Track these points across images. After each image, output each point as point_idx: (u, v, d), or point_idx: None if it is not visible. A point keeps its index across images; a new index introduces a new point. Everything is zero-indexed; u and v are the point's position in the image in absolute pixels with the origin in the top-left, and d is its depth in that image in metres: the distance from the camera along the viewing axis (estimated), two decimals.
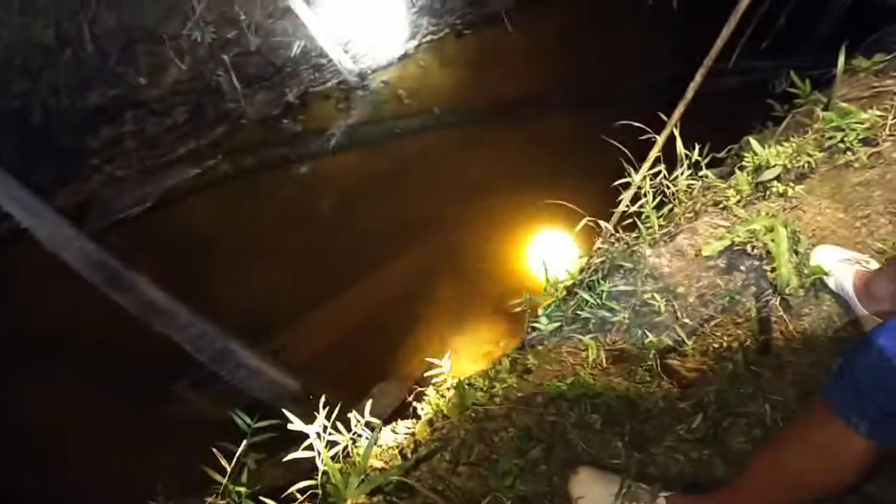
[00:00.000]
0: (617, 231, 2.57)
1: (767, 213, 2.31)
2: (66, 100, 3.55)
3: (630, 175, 2.60)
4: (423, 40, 4.76)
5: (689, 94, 2.94)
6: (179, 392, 3.33)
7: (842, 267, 2.08)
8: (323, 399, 2.06)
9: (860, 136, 2.61)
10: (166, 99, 3.89)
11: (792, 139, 2.76)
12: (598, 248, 2.59)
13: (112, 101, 3.71)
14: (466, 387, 2.14)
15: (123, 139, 3.89)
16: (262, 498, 1.93)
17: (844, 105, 2.70)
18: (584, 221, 2.51)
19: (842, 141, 2.62)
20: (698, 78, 2.50)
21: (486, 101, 4.59)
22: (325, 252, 3.97)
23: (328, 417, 2.08)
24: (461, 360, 3.26)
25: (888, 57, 3.04)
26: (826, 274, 2.12)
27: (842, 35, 3.42)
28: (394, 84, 4.68)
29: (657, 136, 2.62)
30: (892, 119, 2.63)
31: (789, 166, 2.58)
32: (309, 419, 2.85)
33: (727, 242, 2.18)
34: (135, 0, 3.53)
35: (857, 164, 2.55)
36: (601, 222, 2.54)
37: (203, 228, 3.96)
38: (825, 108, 2.81)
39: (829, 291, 2.16)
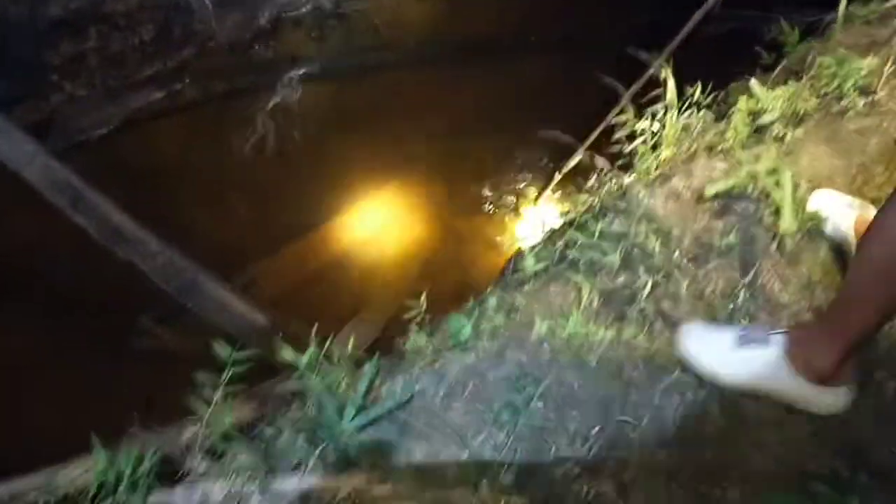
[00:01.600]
0: (612, 168, 2.50)
1: (768, 157, 2.27)
2: (25, 9, 3.32)
3: (624, 110, 2.53)
4: None
5: (683, 33, 2.88)
6: (146, 325, 3.21)
7: (842, 213, 2.06)
8: (314, 330, 1.97)
9: (857, 84, 2.57)
10: (133, 14, 3.67)
11: (787, 84, 2.72)
12: (591, 186, 2.52)
13: (75, 13, 3.49)
14: (458, 324, 2.07)
15: (86, 56, 3.67)
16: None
17: (843, 51, 2.65)
18: (579, 153, 2.44)
19: (838, 88, 2.58)
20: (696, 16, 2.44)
21: (465, 37, 4.46)
22: (296, 185, 3.84)
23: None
24: (440, 298, 3.20)
25: (884, 5, 3.00)
26: (823, 220, 2.10)
27: None
28: (370, 14, 4.50)
29: (651, 67, 2.56)
30: (889, 68, 2.59)
31: (786, 111, 2.54)
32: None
33: (731, 183, 2.13)
34: None
35: (852, 112, 2.51)
36: (597, 157, 2.47)
37: (170, 155, 3.79)
38: (822, 54, 2.76)
39: (825, 236, 2.14)
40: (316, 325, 2.11)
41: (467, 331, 2.00)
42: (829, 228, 2.10)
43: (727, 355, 1.78)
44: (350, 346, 2.20)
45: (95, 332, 3.13)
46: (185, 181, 3.68)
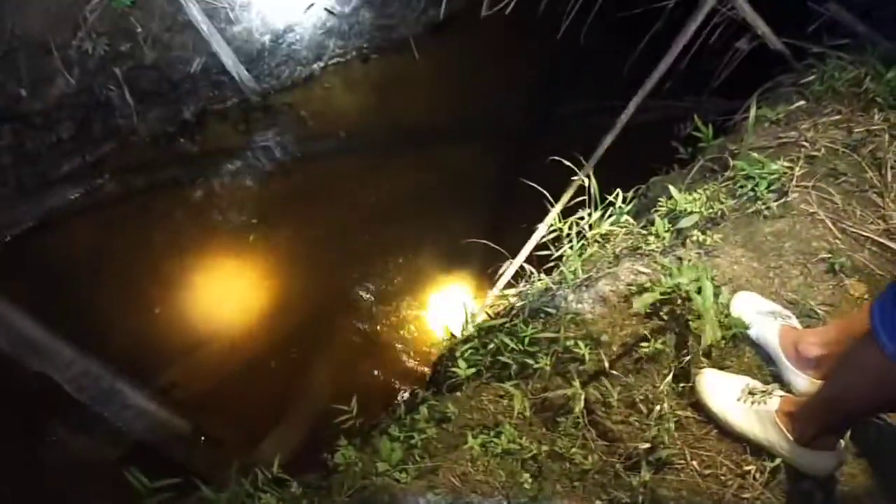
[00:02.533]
0: (540, 274, 2.52)
1: (689, 263, 2.32)
2: None
3: (553, 216, 2.58)
4: (329, 62, 4.62)
5: (607, 140, 2.97)
6: (58, 436, 3.04)
7: (764, 320, 2.11)
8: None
9: (770, 187, 2.67)
10: (50, 113, 3.57)
11: (704, 186, 2.81)
12: (521, 291, 2.53)
13: None
14: (387, 442, 2.02)
15: (0, 155, 3.55)
16: None
17: (755, 154, 2.77)
18: (508, 265, 2.45)
19: (752, 190, 2.68)
20: (623, 118, 2.52)
21: (392, 128, 4.50)
22: (217, 282, 3.75)
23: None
24: (370, 402, 3.12)
25: (790, 107, 3.16)
26: (747, 328, 2.15)
27: (737, 81, 3.54)
28: (297, 106, 4.51)
29: (577, 177, 2.62)
30: (799, 171, 2.71)
31: (704, 213, 2.61)
32: (203, 462, 2.66)
33: (656, 296, 2.16)
34: (19, 5, 3.22)
35: (767, 213, 2.60)
36: (525, 265, 2.48)
37: (87, 254, 3.65)
38: (734, 156, 2.88)
39: (749, 342, 2.18)
40: (232, 432, 2.02)
41: (398, 454, 1.94)
42: (753, 333, 2.15)
43: (733, 405, 1.94)
44: (275, 466, 2.12)
45: (4, 445, 2.95)
46: (103, 281, 3.54)
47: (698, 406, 2.03)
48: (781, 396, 1.90)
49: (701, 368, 2.08)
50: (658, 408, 1.96)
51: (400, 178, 4.22)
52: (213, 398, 3.38)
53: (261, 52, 4.27)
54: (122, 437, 3.09)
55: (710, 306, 2.05)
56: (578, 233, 2.63)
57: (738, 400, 1.94)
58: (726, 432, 1.98)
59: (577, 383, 2.04)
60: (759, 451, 1.94)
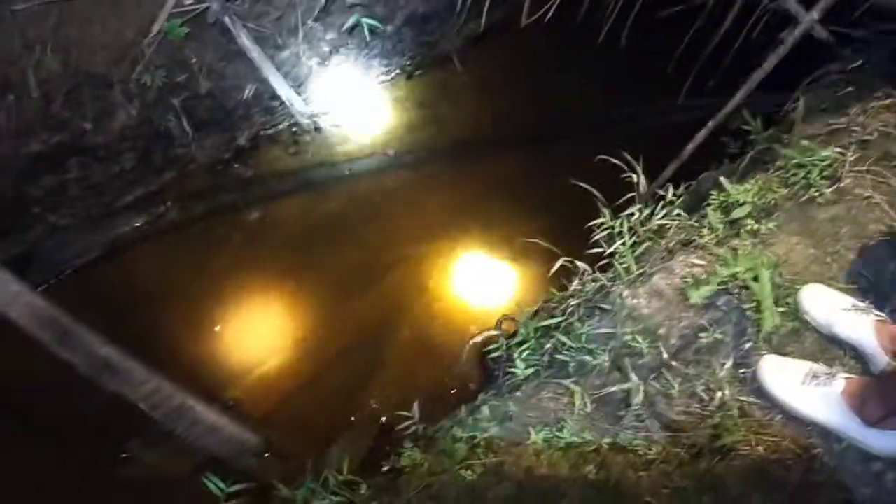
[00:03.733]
0: (593, 270, 2.54)
1: (744, 253, 2.31)
2: (6, 146, 3.38)
3: (603, 213, 2.60)
4: (376, 81, 4.72)
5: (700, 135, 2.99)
6: (133, 452, 3.15)
7: (849, 317, 2.06)
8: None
9: (822, 173, 2.65)
10: (113, 145, 3.73)
11: (756, 177, 2.81)
12: (575, 290, 2.56)
13: (56, 147, 3.54)
14: (450, 441, 2.06)
15: (67, 187, 3.70)
16: None
17: (805, 142, 2.75)
18: (560, 262, 2.48)
19: (805, 177, 2.67)
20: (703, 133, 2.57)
21: (440, 141, 4.57)
22: (280, 299, 3.85)
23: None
24: (431, 407, 3.17)
25: (839, 94, 3.13)
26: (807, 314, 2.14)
27: (785, 73, 3.52)
28: (346, 126, 4.61)
29: (634, 174, 2.64)
30: (851, 156, 2.69)
31: (757, 203, 2.61)
32: (273, 473, 2.73)
33: (714, 287, 2.16)
34: (83, 44, 3.39)
35: (821, 200, 2.58)
36: (577, 262, 2.51)
37: (154, 278, 3.79)
38: (784, 146, 2.87)
39: (810, 327, 2.17)
40: (300, 442, 2.09)
41: (462, 450, 1.98)
42: (839, 332, 2.09)
43: (796, 389, 1.95)
44: (345, 470, 2.18)
45: (83, 463, 3.08)
46: (170, 304, 3.67)
47: (761, 392, 2.03)
48: (846, 378, 1.90)
49: (762, 355, 2.08)
50: (719, 395, 1.97)
51: (449, 189, 4.28)
52: (278, 412, 3.47)
53: (309, 76, 4.39)
54: (194, 452, 3.19)
55: (768, 293, 2.05)
56: (630, 228, 2.64)
57: (802, 384, 1.94)
58: (791, 417, 1.97)
59: (633, 376, 2.05)
60: (825, 434, 1.93)
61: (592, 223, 2.70)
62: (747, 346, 2.12)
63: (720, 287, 2.22)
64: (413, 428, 2.53)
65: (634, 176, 2.78)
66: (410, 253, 3.96)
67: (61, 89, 3.42)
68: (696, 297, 2.17)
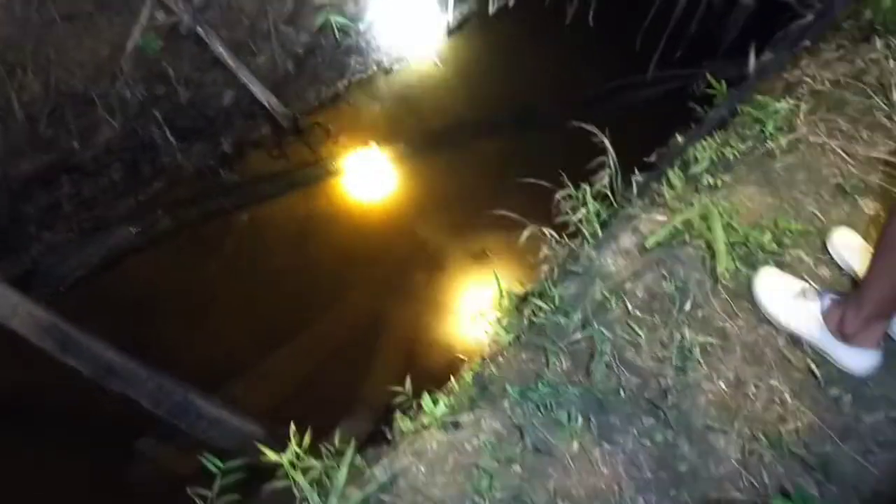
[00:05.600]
0: (562, 237, 2.64)
1: (699, 204, 2.41)
2: None
3: (568, 185, 2.71)
4: (352, 79, 4.83)
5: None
6: (141, 450, 3.27)
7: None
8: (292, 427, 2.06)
9: (777, 125, 2.75)
10: (101, 159, 3.86)
11: (716, 135, 2.91)
12: (545, 256, 2.66)
13: (46, 166, 3.67)
14: (431, 402, 2.17)
15: (61, 204, 3.84)
16: None
17: (760, 97, 2.85)
18: (528, 230, 2.59)
19: (761, 131, 2.77)
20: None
21: (421, 133, 4.68)
22: (275, 297, 3.96)
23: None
24: (424, 382, 3.29)
25: (795, 50, 3.23)
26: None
27: (747, 39, 3.62)
28: (327, 125, 4.73)
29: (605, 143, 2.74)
30: (805, 106, 2.79)
31: (715, 159, 2.71)
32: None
33: (667, 232, 2.27)
34: (61, 64, 3.52)
35: (777, 151, 2.68)
36: (545, 230, 2.61)
37: (150, 285, 3.91)
38: (742, 102, 2.97)
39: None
40: (304, 431, 2.18)
41: (441, 407, 2.09)
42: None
43: (787, 303, 2.09)
44: (337, 440, 2.28)
45: (94, 463, 3.20)
46: (167, 308, 3.79)
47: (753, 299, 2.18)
48: (833, 298, 2.02)
49: (720, 298, 2.19)
50: (678, 335, 2.07)
51: (434, 178, 4.40)
52: (281, 404, 3.58)
53: (286, 78, 4.51)
54: (199, 447, 3.30)
55: (720, 236, 2.15)
56: (597, 196, 2.73)
57: (791, 298, 2.08)
58: (753, 352, 2.08)
59: (597, 325, 2.15)
60: (785, 366, 2.03)
61: (561, 194, 2.79)
62: (706, 289, 2.22)
63: (679, 238, 2.32)
64: (405, 401, 2.62)
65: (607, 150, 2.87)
66: (399, 242, 4.08)
67: (44, 110, 3.55)
68: (652, 242, 2.27)
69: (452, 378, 2.80)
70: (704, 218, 2.27)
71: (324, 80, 4.68)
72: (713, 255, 2.25)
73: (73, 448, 3.28)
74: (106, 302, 3.82)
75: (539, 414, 2.04)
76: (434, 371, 3.45)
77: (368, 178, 4.45)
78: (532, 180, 2.79)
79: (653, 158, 3.18)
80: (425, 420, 2.21)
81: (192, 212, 4.21)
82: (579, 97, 4.72)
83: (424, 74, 5.02)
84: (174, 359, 3.59)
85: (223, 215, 4.26)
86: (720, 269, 2.13)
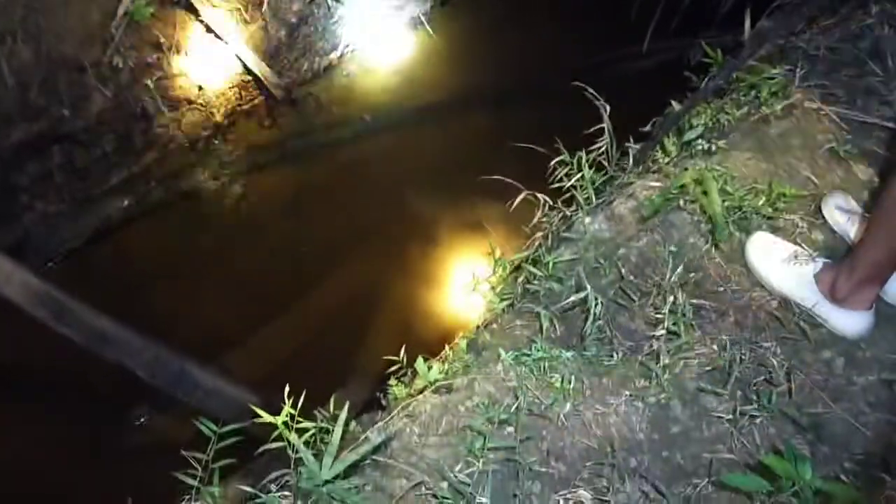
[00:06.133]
0: (556, 204, 2.64)
1: (693, 169, 2.41)
2: None
3: (563, 152, 2.70)
4: (346, 50, 4.80)
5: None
6: (138, 419, 3.28)
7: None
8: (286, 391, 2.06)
9: (772, 91, 2.74)
10: (92, 129, 3.83)
11: (711, 102, 2.90)
12: (539, 222, 2.65)
13: (37, 135, 3.65)
14: (425, 367, 2.18)
15: (52, 174, 3.81)
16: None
17: (755, 63, 2.84)
18: (522, 195, 2.58)
19: (756, 97, 2.75)
20: None
21: (415, 105, 4.66)
22: (269, 267, 3.96)
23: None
24: (419, 350, 3.30)
25: (791, 17, 3.21)
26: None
27: (743, 7, 3.59)
28: (320, 95, 4.70)
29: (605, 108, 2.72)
30: (800, 72, 2.77)
31: (710, 125, 2.70)
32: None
33: (661, 200, 2.26)
34: (52, 31, 3.48)
35: (772, 117, 2.67)
36: (539, 195, 2.60)
37: (143, 255, 3.92)
38: (737, 69, 2.95)
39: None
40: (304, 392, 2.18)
41: (434, 371, 2.10)
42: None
43: (779, 267, 2.11)
44: (332, 406, 2.29)
45: (89, 431, 3.21)
46: (161, 278, 3.79)
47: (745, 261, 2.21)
48: (824, 262, 2.05)
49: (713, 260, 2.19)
50: (671, 298, 2.07)
51: (428, 148, 4.38)
52: (276, 373, 3.59)
53: (279, 48, 4.47)
54: (197, 416, 3.31)
55: (715, 200, 2.15)
56: (592, 163, 2.72)
57: (783, 261, 2.10)
58: (746, 314, 2.09)
59: (591, 290, 2.15)
60: (778, 329, 2.04)
61: (556, 160, 2.78)
62: (700, 253, 2.23)
63: (672, 203, 2.32)
64: (400, 370, 2.63)
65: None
66: (393, 212, 4.07)
67: (36, 77, 3.51)
68: (649, 210, 2.27)
69: (447, 346, 2.82)
70: (699, 182, 2.27)
71: (317, 51, 4.65)
72: (708, 220, 2.25)
73: (68, 416, 3.29)
74: (101, 272, 3.83)
75: (532, 377, 2.05)
76: (429, 340, 3.45)
77: (362, 149, 4.43)
78: (526, 145, 2.76)
79: (648, 128, 3.16)
80: (419, 384, 2.22)
81: (185, 183, 4.20)
82: (574, 67, 4.67)
83: (417, 45, 4.99)
84: (169, 329, 3.59)
85: (217, 186, 4.24)
86: (717, 233, 2.13)
